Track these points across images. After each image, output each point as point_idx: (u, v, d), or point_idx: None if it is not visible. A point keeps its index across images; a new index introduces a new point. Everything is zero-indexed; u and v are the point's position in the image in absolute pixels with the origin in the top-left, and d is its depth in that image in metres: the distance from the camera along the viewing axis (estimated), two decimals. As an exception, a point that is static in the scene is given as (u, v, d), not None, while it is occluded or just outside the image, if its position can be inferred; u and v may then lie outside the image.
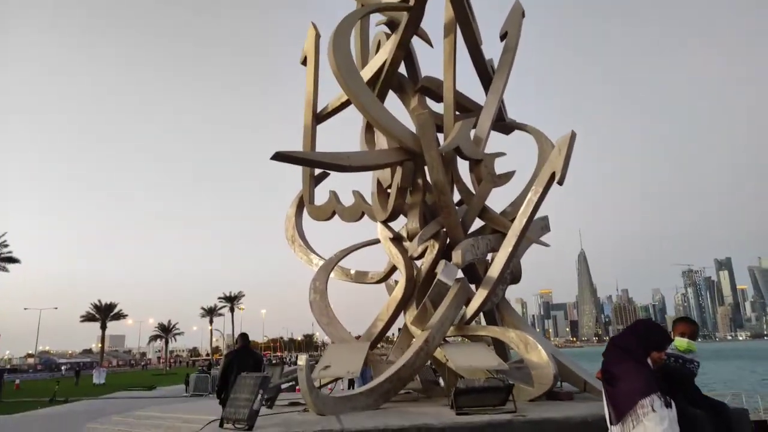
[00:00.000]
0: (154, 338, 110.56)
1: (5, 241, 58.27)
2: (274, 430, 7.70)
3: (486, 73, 13.84)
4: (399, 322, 13.83)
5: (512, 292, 12.64)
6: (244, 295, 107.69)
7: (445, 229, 12.23)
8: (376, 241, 13.72)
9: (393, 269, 13.55)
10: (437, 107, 13.81)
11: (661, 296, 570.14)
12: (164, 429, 10.74)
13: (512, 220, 11.20)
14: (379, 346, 15.02)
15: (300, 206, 15.17)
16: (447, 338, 11.34)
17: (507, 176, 12.47)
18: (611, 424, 5.28)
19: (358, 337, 13.97)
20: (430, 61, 14.62)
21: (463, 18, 12.90)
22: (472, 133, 12.65)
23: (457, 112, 13.48)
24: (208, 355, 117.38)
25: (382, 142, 13.55)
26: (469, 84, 14.30)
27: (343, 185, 14.23)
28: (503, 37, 13.88)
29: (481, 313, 11.99)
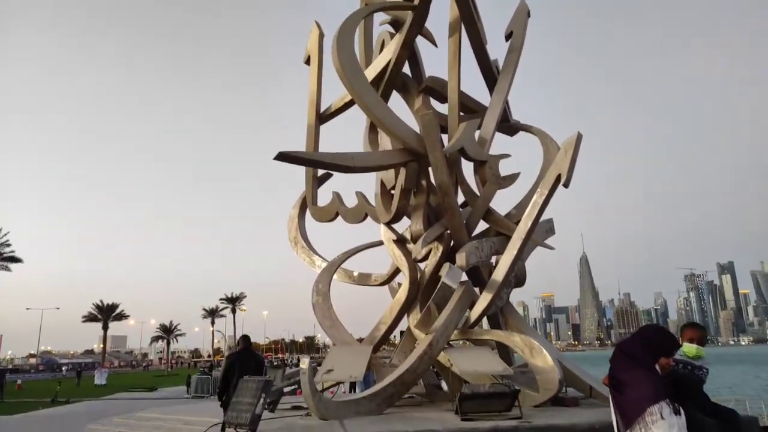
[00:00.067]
0: (155, 339, 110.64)
1: (8, 240, 58.32)
2: (276, 435, 7.60)
3: (491, 74, 13.72)
4: (401, 325, 13.73)
5: (514, 295, 12.55)
6: (245, 296, 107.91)
7: (449, 232, 12.11)
8: (380, 243, 13.60)
9: (396, 271, 13.42)
10: (441, 108, 13.69)
11: (663, 300, 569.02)
12: (165, 431, 10.67)
13: (517, 223, 11.08)
14: (381, 349, 14.89)
15: (303, 207, 15.09)
16: (451, 342, 11.21)
17: (512, 178, 12.36)
18: (619, 431, 5.15)
19: (360, 340, 13.84)
20: (434, 61, 14.52)
21: (468, 17, 12.78)
22: (477, 134, 12.53)
23: (462, 113, 13.36)
24: (209, 356, 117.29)
25: (385, 142, 13.44)
26: (474, 84, 14.20)
27: (346, 186, 14.09)
28: (508, 36, 13.77)
29: (485, 317, 11.86)
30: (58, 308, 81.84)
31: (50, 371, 79.95)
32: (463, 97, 13.45)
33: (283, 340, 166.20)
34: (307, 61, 14.64)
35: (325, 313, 12.75)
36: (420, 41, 13.76)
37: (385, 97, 13.18)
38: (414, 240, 12.34)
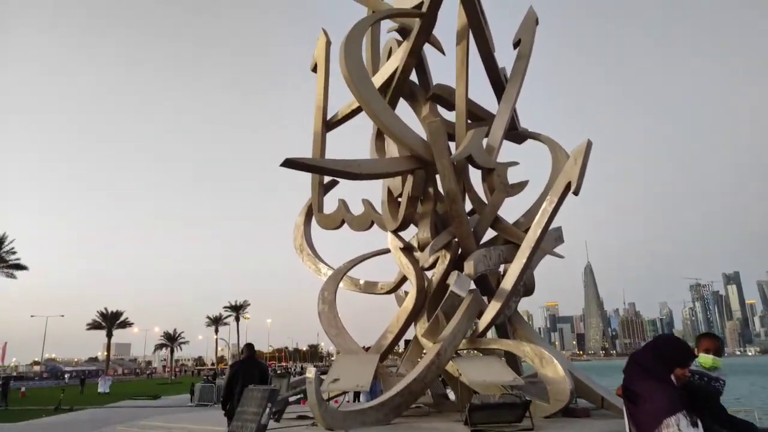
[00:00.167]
0: (159, 347, 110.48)
1: (13, 248, 58.33)
2: (282, 446, 7.48)
3: (499, 81, 13.66)
4: (408, 334, 13.58)
5: (518, 305, 12.39)
6: (249, 305, 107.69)
7: (456, 240, 12.01)
8: (386, 251, 13.50)
9: (403, 280, 13.31)
10: (449, 116, 13.63)
11: (668, 310, 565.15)
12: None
13: (526, 231, 10.98)
14: (387, 358, 14.75)
15: (309, 215, 15.02)
16: (458, 351, 11.08)
17: (520, 186, 12.26)
18: None
19: (366, 349, 13.70)
20: (441, 69, 14.47)
21: (476, 24, 12.75)
22: (485, 141, 12.46)
23: (469, 121, 13.31)
24: (213, 364, 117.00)
25: (392, 150, 13.38)
26: (482, 92, 14.14)
27: (352, 194, 14.02)
28: (516, 44, 13.72)
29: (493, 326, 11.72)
30: (62, 316, 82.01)
31: (54, 379, 79.86)
32: (471, 105, 13.40)
33: (286, 348, 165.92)
34: (314, 69, 14.63)
35: (331, 321, 12.63)
36: (427, 48, 13.73)
37: (392, 104, 13.13)
38: (421, 248, 12.23)
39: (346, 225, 13.96)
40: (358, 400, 16.75)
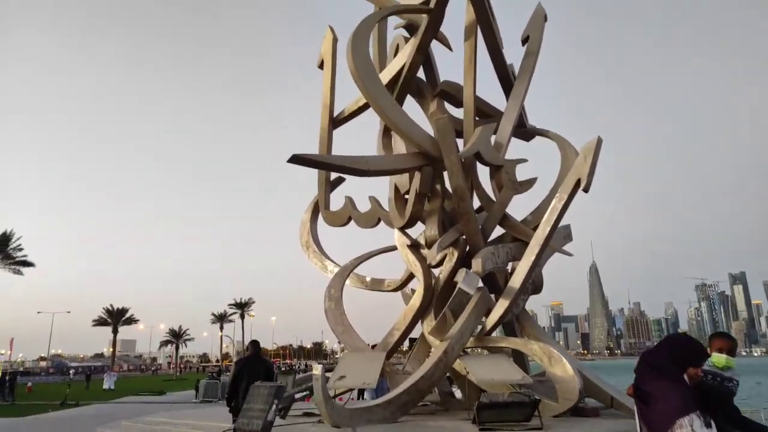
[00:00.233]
0: (164, 343, 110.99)
1: (20, 245, 58.56)
2: (289, 443, 7.42)
3: (507, 78, 13.55)
4: (414, 332, 13.51)
5: (526, 303, 12.30)
6: (254, 302, 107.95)
7: (464, 237, 11.93)
8: (393, 248, 13.43)
9: (410, 277, 13.25)
10: (456, 112, 13.55)
11: (674, 310, 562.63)
12: (174, 436, 10.54)
13: (534, 229, 10.89)
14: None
15: (315, 212, 14.98)
16: (466, 349, 11.00)
17: (529, 183, 12.16)
18: None
19: (373, 346, 13.65)
20: (448, 65, 14.38)
21: (484, 20, 12.64)
22: (493, 138, 12.35)
23: (477, 118, 13.20)
24: (218, 361, 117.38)
25: (399, 147, 13.30)
26: (490, 89, 14.02)
27: (358, 191, 13.95)
28: (525, 41, 13.60)
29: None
30: (69, 312, 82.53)
31: (60, 374, 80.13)
32: (479, 102, 13.30)
33: (291, 345, 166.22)
34: (320, 66, 14.56)
35: (338, 318, 12.58)
36: (434, 45, 13.63)
37: (400, 101, 13.03)
38: (428, 245, 12.16)
39: (352, 222, 13.90)
40: (362, 398, 16.70)
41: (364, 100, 12.59)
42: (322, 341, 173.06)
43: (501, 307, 10.69)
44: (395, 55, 13.85)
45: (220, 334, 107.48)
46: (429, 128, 12.10)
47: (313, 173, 14.15)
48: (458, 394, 13.03)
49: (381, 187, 14.08)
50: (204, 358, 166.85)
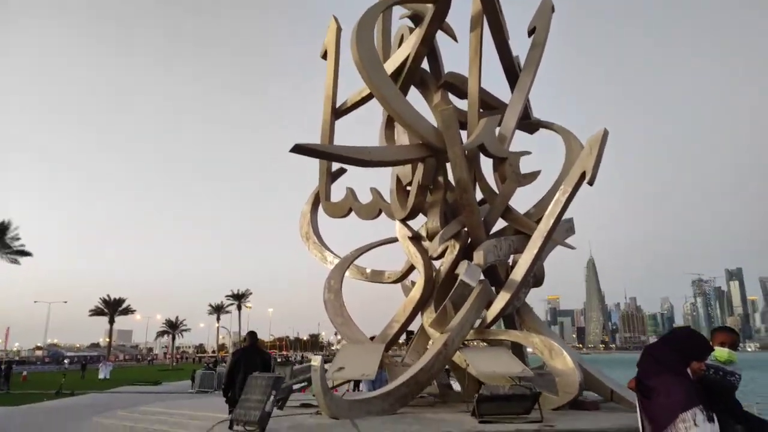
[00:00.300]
0: (161, 334, 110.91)
1: (17, 234, 58.36)
2: (288, 434, 7.36)
3: (512, 70, 13.44)
4: (414, 324, 13.46)
5: (526, 296, 12.26)
6: (251, 293, 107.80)
7: (466, 229, 11.86)
8: (394, 240, 13.36)
9: (410, 269, 13.18)
10: (460, 104, 13.42)
11: (669, 305, 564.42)
12: (170, 425, 10.48)
13: (537, 221, 10.82)
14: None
15: (315, 203, 14.88)
16: (465, 342, 10.95)
17: (533, 175, 12.06)
18: None
19: (372, 338, 13.59)
20: (453, 56, 14.20)
21: (491, 10, 12.51)
22: (497, 130, 12.24)
23: (482, 110, 13.10)
24: (214, 352, 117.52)
25: (402, 139, 13.20)
26: (494, 81, 13.88)
27: (359, 183, 13.85)
28: (531, 32, 13.46)
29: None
30: (65, 302, 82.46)
31: (56, 363, 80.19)
32: (483, 94, 13.20)
33: (287, 337, 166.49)
34: (324, 56, 14.40)
35: (337, 310, 12.52)
36: (439, 35, 13.48)
37: (404, 92, 12.90)
38: (430, 237, 12.08)
39: (353, 213, 13.81)
40: (358, 389, 16.66)
41: (368, 91, 12.47)
42: (318, 333, 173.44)
43: (502, 299, 10.63)
44: (399, 45, 13.70)
45: (216, 325, 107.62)
46: (433, 120, 11.99)
47: (313, 170, 14.09)
48: (457, 386, 13.00)
49: (382, 180, 14.00)
50: (200, 348, 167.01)
